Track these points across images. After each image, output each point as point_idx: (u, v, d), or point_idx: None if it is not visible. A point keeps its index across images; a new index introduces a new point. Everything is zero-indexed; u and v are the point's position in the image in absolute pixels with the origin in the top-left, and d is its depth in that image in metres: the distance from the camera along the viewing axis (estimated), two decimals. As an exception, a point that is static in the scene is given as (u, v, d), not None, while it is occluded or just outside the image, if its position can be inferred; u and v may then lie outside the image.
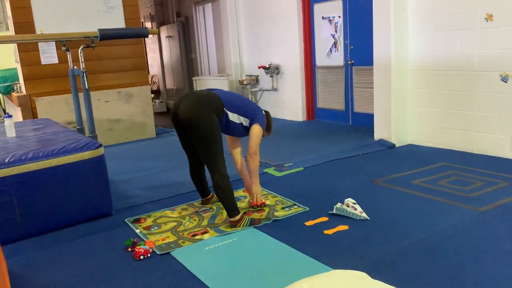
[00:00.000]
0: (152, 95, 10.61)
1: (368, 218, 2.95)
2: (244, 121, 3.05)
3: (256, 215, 3.12)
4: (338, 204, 3.09)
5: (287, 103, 6.94)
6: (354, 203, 3.08)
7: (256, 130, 3.03)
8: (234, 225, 2.93)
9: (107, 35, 3.85)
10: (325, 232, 2.79)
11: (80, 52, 3.91)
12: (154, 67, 11.11)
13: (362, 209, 3.04)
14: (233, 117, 3.00)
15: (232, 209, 2.93)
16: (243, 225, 2.93)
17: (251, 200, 3.35)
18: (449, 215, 2.91)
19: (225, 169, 2.93)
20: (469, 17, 4.14)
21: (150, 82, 11.00)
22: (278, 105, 7.13)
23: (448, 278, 2.16)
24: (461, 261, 2.31)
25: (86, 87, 3.75)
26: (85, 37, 3.97)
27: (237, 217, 2.93)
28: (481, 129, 4.24)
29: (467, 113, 4.33)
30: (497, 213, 2.89)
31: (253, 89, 7.52)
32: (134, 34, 4.21)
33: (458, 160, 4.13)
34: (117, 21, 5.97)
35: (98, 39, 3.84)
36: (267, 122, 3.16)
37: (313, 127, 6.24)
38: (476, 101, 4.24)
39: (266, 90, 7.33)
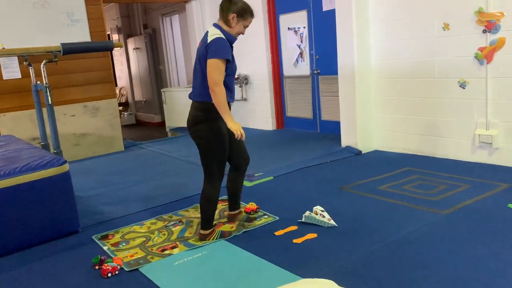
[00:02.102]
0: (121, 108, 10.53)
1: (336, 225, 3.00)
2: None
3: (226, 227, 3.12)
4: (307, 212, 3.13)
5: (257, 112, 6.99)
6: (322, 211, 3.13)
7: (208, 65, 2.62)
8: (203, 238, 2.92)
9: (70, 50, 3.79)
10: (294, 241, 2.82)
11: (43, 67, 3.83)
12: (122, 79, 10.99)
13: (330, 216, 3.09)
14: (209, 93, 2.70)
15: (207, 222, 2.91)
16: (213, 239, 2.92)
17: (245, 207, 3.35)
18: (413, 219, 2.99)
19: (219, 184, 2.87)
20: (428, 26, 4.30)
21: (118, 95, 10.88)
22: (248, 115, 7.16)
23: (413, 281, 2.22)
24: (425, 264, 2.38)
25: (50, 102, 3.68)
26: (47, 52, 3.90)
27: (208, 231, 2.92)
28: (442, 134, 4.39)
29: (429, 118, 4.47)
30: (459, 215, 2.99)
31: (223, 100, 7.52)
32: (98, 48, 4.17)
33: (422, 164, 4.26)
34: (82, 35, 5.88)
35: (61, 54, 3.78)
36: (235, 14, 2.71)
37: (282, 135, 6.30)
38: (437, 107, 4.38)
39: (236, 100, 7.34)
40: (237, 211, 3.19)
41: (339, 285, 1.91)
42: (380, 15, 4.69)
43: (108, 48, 4.11)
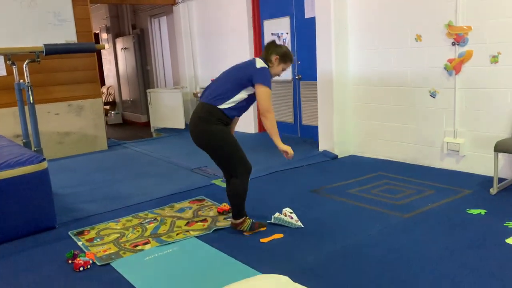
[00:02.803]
0: (108, 107, 10.59)
1: (303, 226, 3.13)
2: (243, 94, 2.91)
3: (199, 225, 3.24)
4: (277, 214, 3.26)
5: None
6: (291, 212, 3.27)
7: (260, 91, 2.85)
8: (234, 226, 3.08)
9: (53, 50, 3.89)
10: (261, 240, 2.95)
11: (25, 67, 3.93)
12: (110, 78, 11.05)
13: (297, 217, 3.22)
14: (229, 105, 2.90)
15: (237, 213, 3.06)
16: (244, 228, 3.05)
17: (218, 207, 3.51)
18: (377, 221, 3.14)
19: (247, 177, 2.99)
20: (402, 37, 4.46)
21: (106, 94, 10.94)
22: (231, 117, 7.27)
23: (370, 280, 2.36)
24: (384, 264, 2.52)
25: (31, 101, 3.77)
26: (31, 52, 3.99)
27: (239, 220, 3.06)
28: (413, 141, 4.56)
29: (402, 125, 4.64)
30: (419, 219, 3.14)
31: (207, 102, 7.65)
32: (80, 50, 4.27)
33: (392, 169, 4.42)
34: (68, 34, 5.96)
35: (44, 54, 3.88)
36: (278, 56, 2.97)
37: (263, 139, 6.43)
38: (409, 114, 4.55)
39: (220, 102, 7.47)
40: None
41: (296, 282, 2.05)
42: (358, 25, 4.85)
43: (90, 50, 4.21)
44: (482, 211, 3.18)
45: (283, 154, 3.00)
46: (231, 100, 2.90)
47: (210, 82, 7.35)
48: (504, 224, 2.93)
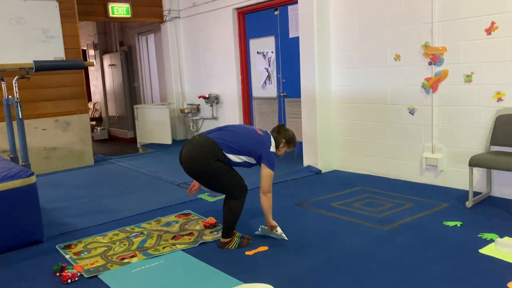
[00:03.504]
0: (94, 122, 10.61)
1: (287, 238, 3.23)
2: (248, 159, 3.13)
3: (185, 239, 3.30)
4: (261, 226, 3.36)
5: (226, 131, 7.21)
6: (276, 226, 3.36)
7: (265, 173, 3.11)
8: (222, 246, 3.12)
9: (42, 67, 3.97)
10: (247, 253, 3.03)
11: (15, 83, 3.99)
12: (96, 94, 11.09)
13: (282, 230, 3.32)
14: (234, 158, 3.08)
15: (226, 231, 3.12)
16: (231, 246, 3.11)
17: (204, 221, 3.60)
18: (357, 234, 3.25)
19: (244, 197, 3.13)
20: (381, 57, 4.66)
21: (92, 109, 10.96)
22: (218, 133, 7.38)
23: (346, 288, 2.46)
24: (364, 274, 2.62)
25: (20, 116, 3.83)
26: (20, 68, 4.06)
27: (227, 239, 3.12)
28: (394, 156, 4.71)
29: (382, 141, 4.80)
30: (398, 231, 3.26)
31: (194, 118, 7.76)
32: (69, 66, 4.35)
33: (374, 184, 4.55)
34: (57, 51, 6.04)
35: (33, 71, 3.95)
36: (285, 140, 3.25)
37: (249, 154, 6.53)
38: (389, 131, 4.71)
39: (207, 118, 7.59)
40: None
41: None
42: (339, 44, 5.04)
43: (79, 66, 4.30)
44: (458, 223, 3.32)
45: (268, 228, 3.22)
46: (239, 156, 3.08)
47: (197, 98, 7.48)
48: (478, 235, 3.07)
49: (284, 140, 3.26)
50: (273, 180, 4.81)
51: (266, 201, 3.14)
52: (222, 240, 3.15)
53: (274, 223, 3.19)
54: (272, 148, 3.14)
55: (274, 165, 3.13)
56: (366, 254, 2.90)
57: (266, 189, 3.12)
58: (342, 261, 2.80)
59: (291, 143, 3.30)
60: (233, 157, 3.07)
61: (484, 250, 2.82)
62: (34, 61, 3.96)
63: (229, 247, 3.13)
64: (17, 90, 4.00)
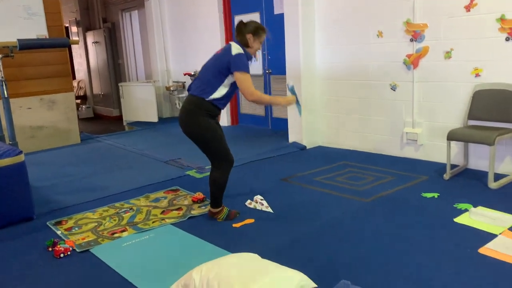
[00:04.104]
0: (79, 101, 10.53)
1: (272, 211, 3.35)
2: (227, 80, 2.98)
3: (174, 213, 3.40)
4: (248, 201, 3.49)
5: (212, 108, 7.26)
6: (261, 199, 3.50)
7: (238, 78, 2.93)
8: (211, 215, 3.23)
9: (26, 45, 3.95)
10: (234, 225, 3.15)
11: (-1, 62, 3.98)
12: (80, 72, 10.98)
13: (268, 204, 3.45)
14: (218, 94, 2.98)
15: (214, 201, 3.21)
16: (220, 218, 3.21)
17: (192, 196, 3.69)
18: (339, 206, 3.39)
19: (228, 170, 3.15)
20: (364, 33, 4.72)
21: (76, 88, 10.86)
22: (204, 110, 7.43)
23: (331, 257, 2.59)
24: (344, 243, 2.76)
25: (5, 95, 3.83)
26: (4, 47, 4.04)
27: (217, 209, 3.22)
28: (376, 131, 4.84)
29: (365, 117, 4.91)
30: (378, 202, 3.41)
31: (180, 95, 7.77)
32: (54, 44, 4.34)
33: (357, 159, 4.69)
34: (39, 28, 5.96)
35: (18, 49, 3.94)
36: (251, 33, 3.04)
37: (236, 131, 6.62)
38: (372, 107, 4.83)
39: (192, 96, 7.60)
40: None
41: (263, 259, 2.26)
42: (324, 22, 5.08)
43: (64, 44, 4.29)
44: (436, 195, 3.47)
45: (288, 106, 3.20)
46: (217, 90, 2.98)
47: (183, 75, 7.50)
48: (454, 205, 3.23)
49: (250, 34, 3.05)
50: (258, 156, 4.98)
51: (258, 100, 3.06)
52: (211, 209, 3.25)
53: (285, 100, 3.17)
54: (236, 50, 2.98)
55: (244, 65, 2.96)
56: (347, 225, 3.04)
57: (248, 93, 2.97)
58: (323, 232, 2.94)
59: (258, 31, 3.08)
60: (216, 95, 2.98)
61: (458, 219, 2.98)
62: (18, 40, 3.94)
63: (218, 217, 3.23)
64: (1, 69, 3.99)
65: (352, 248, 2.69)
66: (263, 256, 2.43)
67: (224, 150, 3.13)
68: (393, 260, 2.50)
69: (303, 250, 2.70)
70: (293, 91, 3.29)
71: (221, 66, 2.98)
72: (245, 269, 2.05)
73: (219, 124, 3.23)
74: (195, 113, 3.03)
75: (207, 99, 2.99)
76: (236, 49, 3.00)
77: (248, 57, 3.08)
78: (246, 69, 2.96)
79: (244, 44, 3.08)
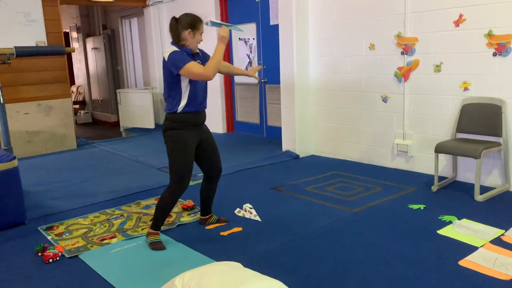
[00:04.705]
0: (78, 106, 10.61)
1: (260, 220, 3.40)
2: (183, 86, 2.91)
3: (152, 237, 3.08)
4: (237, 209, 3.54)
5: (209, 116, 7.27)
6: (250, 208, 3.55)
7: (186, 72, 2.82)
8: (147, 234, 3.08)
9: (23, 53, 4.03)
10: (222, 233, 3.20)
11: (-4, 68, 4.05)
12: (79, 78, 11.06)
13: (256, 212, 3.50)
14: (183, 101, 2.92)
15: (155, 224, 3.03)
16: (150, 241, 3.02)
17: (182, 204, 3.73)
18: (327, 215, 3.44)
19: (176, 195, 2.97)
20: (357, 46, 4.79)
21: (75, 93, 10.94)
22: (200, 118, 7.50)
23: (315, 266, 2.64)
24: (329, 252, 2.81)
25: (1, 101, 3.89)
26: (1, 54, 4.11)
27: (152, 231, 3.04)
28: (368, 142, 4.90)
29: (357, 128, 4.97)
30: (365, 213, 3.46)
31: (177, 102, 7.83)
32: (50, 52, 4.41)
33: (348, 169, 4.74)
34: (38, 35, 6.04)
35: (14, 56, 4.01)
36: (189, 29, 2.90)
37: (231, 139, 6.68)
38: (363, 118, 4.89)
39: (189, 103, 7.67)
40: (207, 216, 3.38)
41: (249, 268, 2.30)
42: (317, 33, 5.16)
43: (60, 52, 4.36)
44: (422, 206, 3.52)
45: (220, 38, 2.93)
46: (181, 99, 2.91)
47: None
48: (439, 217, 3.28)
49: (187, 30, 2.90)
50: (251, 165, 5.03)
51: (212, 69, 2.83)
52: (149, 229, 3.05)
53: (221, 38, 2.92)
54: (167, 53, 2.88)
55: (180, 59, 2.81)
56: (332, 234, 3.08)
57: (203, 75, 2.83)
58: (309, 241, 2.99)
59: (196, 23, 2.94)
60: (183, 102, 2.91)
61: (441, 231, 3.03)
62: (15, 47, 4.02)
63: (150, 240, 3.00)
64: (-2, 76, 4.06)
65: (335, 257, 2.73)
66: (248, 264, 2.48)
67: (179, 170, 2.95)
68: (374, 270, 2.55)
69: (287, 259, 2.75)
70: (215, 24, 3.01)
71: (168, 76, 2.91)
72: (226, 278, 2.09)
73: (202, 137, 3.10)
74: (167, 127, 2.99)
75: (179, 112, 2.94)
76: (167, 52, 2.90)
77: (186, 52, 2.90)
78: (185, 62, 2.79)
79: (178, 42, 2.93)
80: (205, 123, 3.23)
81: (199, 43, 3.02)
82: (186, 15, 2.99)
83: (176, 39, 2.95)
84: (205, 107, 3.15)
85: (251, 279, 2.08)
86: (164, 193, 3.02)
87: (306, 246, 2.91)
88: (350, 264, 2.65)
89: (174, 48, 2.90)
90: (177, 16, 3.03)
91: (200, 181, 4.52)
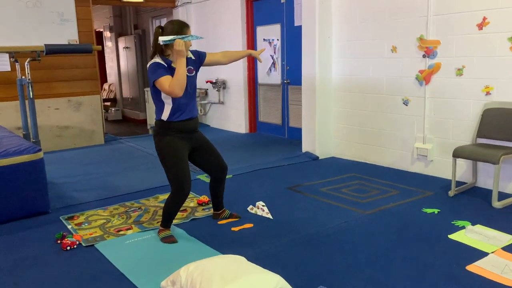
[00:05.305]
0: (109, 103, 10.94)
1: (272, 218, 3.45)
2: (163, 96, 2.94)
3: (178, 215, 3.49)
4: (250, 206, 3.61)
5: (232, 116, 7.44)
6: (263, 205, 3.61)
7: (159, 87, 2.84)
8: (158, 231, 3.17)
9: (52, 50, 4.22)
10: (233, 229, 3.27)
11: (27, 64, 4.26)
12: (112, 76, 11.40)
13: (269, 210, 3.55)
14: (167, 110, 2.95)
15: (164, 221, 3.11)
16: (162, 237, 3.11)
17: (198, 199, 3.84)
18: (338, 216, 3.45)
19: (177, 197, 2.99)
20: (379, 48, 4.77)
21: (107, 91, 11.28)
22: (224, 117, 7.62)
23: (319, 264, 2.67)
24: (336, 252, 2.83)
25: (31, 96, 4.10)
26: (32, 51, 4.32)
27: (161, 228, 3.13)
28: (388, 145, 4.86)
29: (377, 130, 4.94)
30: (377, 215, 3.45)
31: (203, 102, 7.98)
32: (78, 50, 4.61)
33: (366, 171, 4.72)
34: (71, 33, 6.30)
35: (44, 54, 4.21)
36: (172, 34, 2.85)
37: (253, 139, 6.75)
38: (384, 120, 4.85)
39: (214, 103, 7.81)
40: (220, 211, 3.46)
41: (255, 263, 2.36)
42: (340, 35, 5.16)
43: (87, 50, 4.55)
44: (436, 210, 3.48)
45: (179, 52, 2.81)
46: (162, 107, 2.96)
47: (205, 83, 7.69)
48: (452, 222, 3.23)
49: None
50: (269, 164, 5.08)
51: (177, 86, 2.78)
52: (160, 227, 3.14)
53: (178, 52, 2.79)
54: (152, 61, 2.89)
55: (153, 73, 2.82)
56: (341, 235, 3.10)
57: (171, 92, 2.80)
58: (317, 241, 3.01)
59: (180, 30, 2.89)
60: (166, 114, 2.94)
61: (453, 236, 2.99)
62: (45, 45, 4.22)
63: (159, 235, 3.09)
64: (28, 72, 4.27)
65: (342, 258, 2.75)
66: (254, 260, 2.54)
67: (174, 177, 2.97)
68: (380, 272, 2.55)
69: (293, 257, 2.78)
70: (167, 42, 2.82)
71: (150, 86, 2.95)
72: (227, 269, 2.16)
73: (194, 145, 3.11)
74: (155, 132, 3.05)
75: (165, 120, 2.97)
76: (153, 60, 2.89)
77: (167, 63, 2.90)
78: (157, 76, 2.81)
79: (162, 53, 2.92)
80: (198, 130, 3.22)
81: (189, 48, 2.98)
82: (171, 22, 2.97)
83: (162, 51, 2.92)
84: (194, 115, 3.09)
85: (251, 271, 2.14)
86: (168, 199, 3.07)
87: (314, 246, 2.94)
88: (356, 265, 2.66)
89: (154, 60, 2.90)
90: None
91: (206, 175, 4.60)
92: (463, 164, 4.15)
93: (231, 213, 3.48)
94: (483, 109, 3.93)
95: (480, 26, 3.89)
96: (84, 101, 6.50)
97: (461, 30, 4.03)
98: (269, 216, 3.48)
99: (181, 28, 2.93)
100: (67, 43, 6.08)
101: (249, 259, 2.56)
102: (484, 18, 3.85)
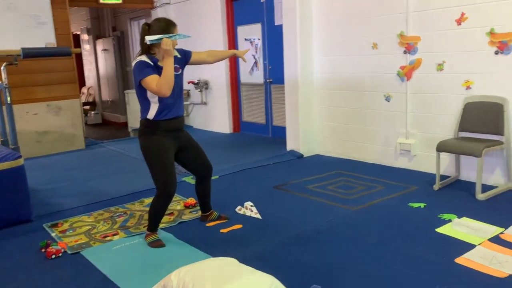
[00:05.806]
0: (88, 107, 10.76)
1: (261, 218, 3.43)
2: (149, 95, 2.89)
3: (165, 218, 3.46)
4: (239, 207, 3.58)
5: (216, 116, 7.40)
6: (251, 206, 3.59)
7: (144, 85, 2.82)
8: (145, 236, 3.14)
9: (30, 54, 4.12)
10: (221, 230, 3.24)
11: (3, 69, 4.14)
12: (90, 79, 11.21)
13: (257, 210, 3.53)
14: (154, 109, 2.92)
15: (151, 225, 3.07)
16: (149, 242, 3.07)
17: (185, 202, 3.77)
18: (327, 213, 3.46)
19: (162, 198, 2.96)
20: (360, 45, 4.80)
21: (86, 94, 11.09)
22: (208, 118, 7.57)
23: (310, 263, 2.66)
24: (326, 249, 2.83)
25: (9, 101, 3.99)
26: (8, 55, 4.21)
27: (148, 232, 3.09)
28: (371, 141, 4.90)
29: (360, 127, 4.98)
30: (365, 211, 3.47)
31: (184, 103, 7.90)
32: (56, 53, 4.50)
33: (351, 168, 4.75)
34: (47, 36, 6.16)
35: (21, 57, 4.10)
36: (159, 31, 2.81)
37: (237, 139, 6.73)
38: (367, 117, 4.89)
39: (196, 103, 7.75)
40: (208, 213, 3.42)
41: (250, 266, 2.33)
42: (321, 33, 5.17)
43: (66, 53, 4.45)
44: (422, 205, 3.52)
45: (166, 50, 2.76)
46: (148, 106, 2.93)
47: (187, 84, 7.62)
48: (438, 216, 3.27)
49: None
50: (254, 164, 5.07)
51: (165, 86, 2.74)
52: (147, 231, 3.09)
53: (166, 52, 2.74)
54: (137, 60, 2.84)
55: (140, 72, 2.79)
56: (331, 232, 3.10)
57: (158, 91, 2.76)
58: (307, 239, 3.01)
59: (167, 28, 2.85)
60: (154, 110, 2.90)
61: (440, 229, 3.03)
62: (22, 48, 4.11)
63: (149, 241, 3.03)
64: (5, 76, 4.15)
65: (332, 254, 2.75)
66: (246, 261, 2.51)
67: (159, 176, 2.95)
68: (371, 267, 2.56)
69: (285, 256, 2.77)
70: (153, 41, 2.76)
71: (136, 85, 2.90)
72: (220, 272, 2.13)
73: (180, 144, 3.09)
74: (141, 132, 3.03)
75: (151, 119, 2.94)
76: (138, 59, 2.85)
77: (153, 62, 2.86)
78: (144, 75, 2.77)
79: (146, 50, 2.86)
80: (184, 129, 3.19)
81: (175, 46, 2.90)
82: (157, 20, 2.93)
83: (149, 49, 2.87)
84: (180, 114, 3.06)
85: (244, 273, 2.11)
86: (153, 201, 3.03)
87: (304, 244, 2.94)
88: (347, 261, 2.66)
89: (139, 58, 2.86)
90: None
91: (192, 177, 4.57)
92: (446, 158, 4.21)
93: (219, 215, 3.45)
94: (464, 103, 3.99)
95: (459, 22, 3.95)
96: (63, 105, 6.37)
97: (441, 25, 4.09)
98: (258, 216, 3.46)
99: (168, 26, 2.89)
100: (44, 46, 5.94)
101: (241, 260, 2.53)
102: (462, 14, 3.91)
